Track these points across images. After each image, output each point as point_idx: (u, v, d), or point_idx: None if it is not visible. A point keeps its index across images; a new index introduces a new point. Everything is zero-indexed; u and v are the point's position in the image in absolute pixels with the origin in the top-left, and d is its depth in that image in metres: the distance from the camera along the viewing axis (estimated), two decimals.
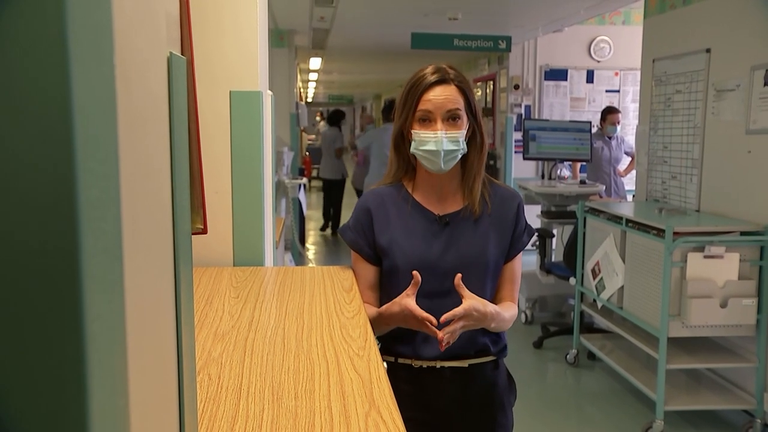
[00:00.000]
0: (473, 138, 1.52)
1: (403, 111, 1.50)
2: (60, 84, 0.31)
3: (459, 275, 1.40)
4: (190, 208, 0.62)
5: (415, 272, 1.41)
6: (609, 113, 5.69)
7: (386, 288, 1.56)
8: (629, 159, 5.87)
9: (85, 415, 0.32)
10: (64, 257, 0.31)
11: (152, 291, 0.47)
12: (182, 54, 0.64)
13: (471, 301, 1.38)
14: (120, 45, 0.37)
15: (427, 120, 1.46)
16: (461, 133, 1.47)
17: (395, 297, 1.47)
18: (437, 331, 1.34)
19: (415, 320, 1.38)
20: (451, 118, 1.46)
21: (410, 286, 1.41)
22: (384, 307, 1.46)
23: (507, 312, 1.50)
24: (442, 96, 1.45)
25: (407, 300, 1.39)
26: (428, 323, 1.36)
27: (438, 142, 1.44)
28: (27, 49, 0.30)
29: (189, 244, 0.60)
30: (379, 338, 1.55)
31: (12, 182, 0.30)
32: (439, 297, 1.42)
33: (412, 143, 1.49)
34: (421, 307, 1.40)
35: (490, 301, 1.52)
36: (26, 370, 0.31)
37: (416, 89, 1.47)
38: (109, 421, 0.35)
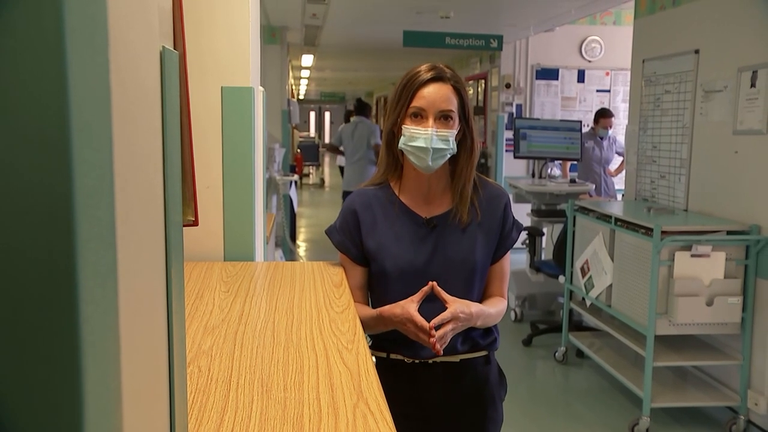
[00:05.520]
0: (464, 141, 1.50)
1: (397, 107, 1.48)
2: (57, 75, 0.32)
3: (433, 283, 1.42)
4: (182, 199, 0.63)
5: (430, 282, 1.42)
6: (602, 117, 5.70)
7: (376, 291, 1.56)
8: (620, 159, 5.91)
9: (79, 395, 0.33)
10: (60, 242, 0.32)
11: (144, 279, 0.48)
12: (174, 48, 0.65)
13: (455, 305, 1.40)
14: (114, 38, 0.38)
15: (419, 116, 1.45)
16: (452, 133, 1.45)
17: (386, 300, 1.48)
18: (432, 341, 1.36)
19: (413, 326, 1.39)
20: (444, 117, 1.44)
21: (419, 293, 1.42)
22: (387, 307, 1.46)
23: (493, 308, 1.51)
24: (437, 94, 1.44)
25: (411, 305, 1.41)
26: (423, 333, 1.37)
27: (428, 139, 1.43)
28: (25, 42, 0.31)
29: (180, 234, 0.61)
30: (371, 336, 1.56)
31: (10, 169, 0.31)
32: (427, 302, 1.42)
33: (402, 138, 1.47)
34: None
35: (478, 300, 1.54)
36: (21, 351, 0.32)
37: (411, 85, 1.45)
38: (102, 404, 0.36)
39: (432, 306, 1.41)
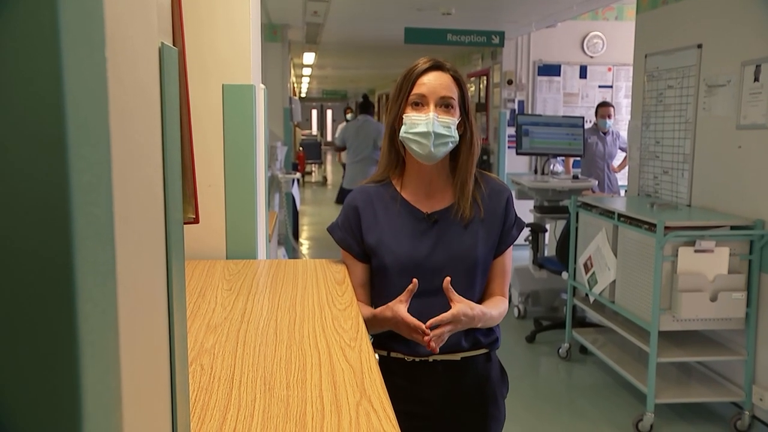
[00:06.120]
0: (464, 135, 1.50)
1: (397, 99, 1.48)
2: (52, 72, 0.31)
3: (448, 278, 1.40)
4: (182, 197, 0.62)
5: (414, 280, 1.41)
6: (600, 107, 5.74)
7: (377, 287, 1.56)
8: (624, 155, 5.89)
9: (78, 395, 0.33)
10: (57, 240, 0.32)
11: (144, 277, 0.48)
12: (174, 45, 0.65)
13: (459, 305, 1.39)
14: (111, 34, 0.38)
15: (420, 104, 1.45)
16: (453, 121, 1.45)
17: (386, 295, 1.48)
18: (426, 339, 1.35)
19: (406, 327, 1.39)
20: (444, 105, 1.45)
21: (404, 293, 1.41)
22: (379, 309, 1.46)
23: (495, 309, 1.51)
24: (437, 81, 1.44)
25: (399, 306, 1.40)
26: (416, 333, 1.37)
27: (429, 123, 1.42)
28: (20, 39, 0.31)
29: (181, 232, 0.61)
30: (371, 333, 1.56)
31: (6, 166, 0.31)
32: (428, 296, 1.42)
33: (403, 127, 1.46)
34: (411, 307, 1.41)
35: (480, 296, 1.54)
36: (19, 350, 0.32)
37: (411, 76, 1.46)
38: (101, 403, 0.36)
39: (431, 301, 1.41)
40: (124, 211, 0.40)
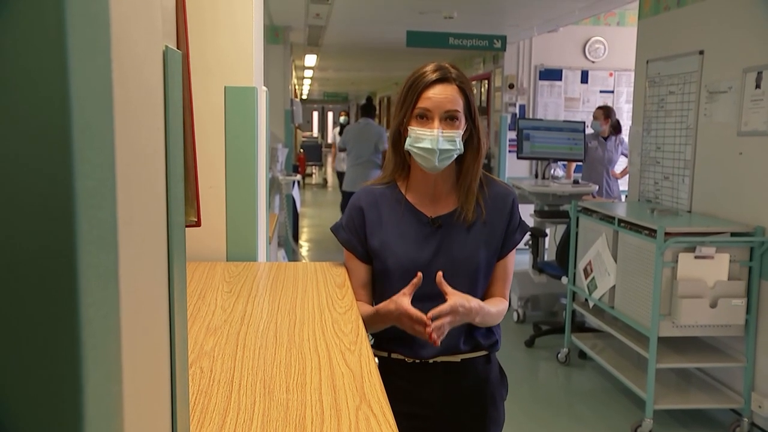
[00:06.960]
0: (470, 140, 1.51)
1: (402, 107, 1.48)
2: (58, 75, 0.31)
3: (440, 273, 1.40)
4: (184, 200, 0.62)
5: (419, 273, 1.41)
6: (595, 110, 5.78)
7: (378, 290, 1.56)
8: (627, 161, 5.90)
9: (80, 398, 0.33)
10: (61, 244, 0.32)
11: (146, 280, 0.48)
12: (178, 48, 0.65)
13: (455, 297, 1.39)
14: (116, 37, 0.38)
15: (425, 118, 1.45)
16: (458, 134, 1.46)
17: (388, 298, 1.48)
18: (428, 331, 1.35)
19: (408, 320, 1.39)
20: (449, 118, 1.45)
21: (408, 286, 1.41)
22: (382, 304, 1.46)
23: (493, 307, 1.51)
24: (442, 95, 1.44)
25: (403, 299, 1.40)
26: (419, 325, 1.37)
27: (434, 140, 1.43)
28: (26, 42, 0.31)
29: (183, 235, 0.60)
30: (373, 335, 1.56)
31: (11, 170, 0.31)
32: (430, 300, 1.42)
33: (408, 139, 1.47)
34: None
35: (482, 300, 1.54)
36: (21, 353, 0.32)
37: (417, 86, 1.46)
38: (103, 407, 0.36)
39: (433, 305, 1.41)
40: (127, 214, 0.40)
